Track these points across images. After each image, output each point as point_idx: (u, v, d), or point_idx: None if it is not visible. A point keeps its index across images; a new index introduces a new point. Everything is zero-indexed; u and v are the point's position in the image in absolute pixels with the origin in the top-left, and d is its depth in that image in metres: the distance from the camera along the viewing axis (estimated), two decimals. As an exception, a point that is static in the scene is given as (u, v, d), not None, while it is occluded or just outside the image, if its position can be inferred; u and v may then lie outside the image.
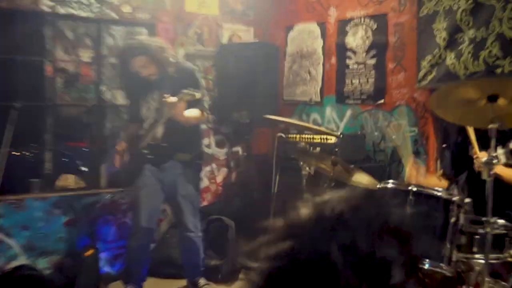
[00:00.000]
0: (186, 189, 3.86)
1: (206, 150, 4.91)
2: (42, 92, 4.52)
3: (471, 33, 3.75)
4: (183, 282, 4.13)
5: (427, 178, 4.03)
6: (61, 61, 4.71)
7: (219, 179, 5.38)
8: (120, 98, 4.91)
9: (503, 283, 2.79)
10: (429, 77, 4.04)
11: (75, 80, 4.89)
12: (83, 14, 4.48)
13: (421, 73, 4.09)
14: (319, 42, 4.99)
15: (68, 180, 4.75)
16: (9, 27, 4.22)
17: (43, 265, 4.24)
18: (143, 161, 3.80)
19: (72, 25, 4.75)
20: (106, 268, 4.51)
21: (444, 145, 3.26)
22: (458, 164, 3.23)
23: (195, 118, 3.76)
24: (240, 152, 5.51)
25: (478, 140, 3.00)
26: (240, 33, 5.34)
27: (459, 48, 3.81)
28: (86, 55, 4.83)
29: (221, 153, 5.39)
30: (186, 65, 4.01)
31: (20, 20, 4.22)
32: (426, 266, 2.55)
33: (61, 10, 4.36)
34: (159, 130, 3.75)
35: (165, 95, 3.53)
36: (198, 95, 3.56)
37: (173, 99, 3.50)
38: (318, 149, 3.84)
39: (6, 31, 4.21)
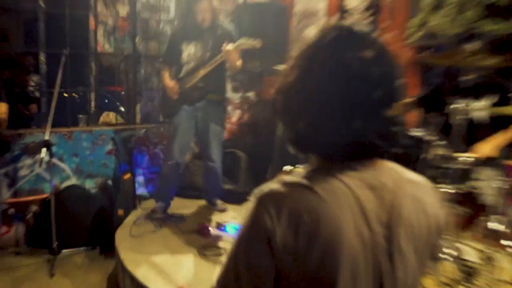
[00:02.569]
0: (215, 127, 3.79)
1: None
2: (86, 42, 4.56)
3: (454, -2, 3.68)
4: (202, 202, 4.22)
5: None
6: (102, 15, 4.65)
7: (234, 119, 5.36)
8: (151, 49, 4.88)
9: (463, 208, 2.83)
10: (417, 35, 3.97)
11: (113, 32, 4.81)
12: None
13: (410, 32, 4.02)
14: (322, 3, 4.73)
15: (109, 117, 4.91)
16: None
17: (90, 185, 4.41)
18: (182, 99, 3.72)
19: (111, -16, 4.70)
20: (140, 189, 4.67)
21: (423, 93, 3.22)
22: (432, 106, 3.21)
23: (240, 65, 3.60)
24: (252, 97, 5.44)
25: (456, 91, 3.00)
26: (255, -6, 5.07)
27: (443, 11, 3.74)
28: (122, 11, 4.73)
29: (236, 97, 5.34)
30: (226, 25, 3.82)
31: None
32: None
33: (102, -30, 4.31)
34: (200, 73, 3.64)
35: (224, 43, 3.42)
36: (259, 44, 3.39)
37: (230, 46, 3.39)
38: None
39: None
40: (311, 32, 1.06)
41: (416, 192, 0.99)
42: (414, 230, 0.96)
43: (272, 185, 0.94)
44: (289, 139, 1.00)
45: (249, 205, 0.95)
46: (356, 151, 0.95)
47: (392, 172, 1.00)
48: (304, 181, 0.93)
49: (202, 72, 3.64)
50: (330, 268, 0.88)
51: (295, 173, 0.97)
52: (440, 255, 2.53)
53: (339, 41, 0.95)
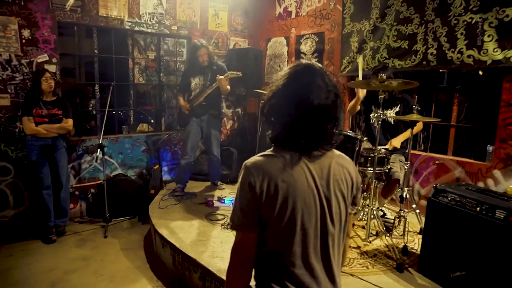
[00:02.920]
0: (215, 132, 3.66)
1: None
2: (127, 76, 4.29)
3: (371, 44, 3.63)
4: (207, 183, 4.09)
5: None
6: (137, 58, 4.42)
7: (228, 126, 5.12)
8: (171, 80, 4.61)
9: (382, 183, 2.84)
10: (347, 69, 3.91)
11: (145, 69, 4.61)
12: (149, 30, 4.16)
13: (342, 67, 3.95)
14: (285, 49, 4.64)
15: (143, 126, 4.60)
16: (107, 38, 4.00)
17: (131, 173, 4.19)
18: (192, 114, 3.60)
19: (143, 37, 4.42)
20: (165, 176, 4.45)
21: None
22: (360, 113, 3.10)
23: (229, 89, 3.49)
24: (240, 111, 5.21)
25: (373, 103, 2.93)
26: (240, 43, 5.03)
27: (364, 52, 3.68)
28: (151, 55, 4.52)
29: (229, 112, 5.12)
30: (219, 63, 3.70)
31: (113, 34, 3.97)
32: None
33: (136, 28, 4.04)
34: (203, 96, 3.52)
35: (218, 75, 3.35)
36: (240, 74, 3.33)
37: (222, 76, 3.32)
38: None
39: (105, 40, 4.01)
40: (285, 68, 1.04)
41: (343, 162, 1.04)
42: (341, 184, 1.02)
43: (254, 157, 1.00)
44: (268, 135, 1.02)
45: (241, 170, 0.99)
46: (308, 147, 1.00)
47: (330, 151, 1.05)
48: (274, 153, 1.00)
49: (204, 95, 3.54)
50: (290, 203, 0.95)
51: (269, 150, 1.01)
52: (360, 204, 2.53)
53: (307, 86, 0.96)
